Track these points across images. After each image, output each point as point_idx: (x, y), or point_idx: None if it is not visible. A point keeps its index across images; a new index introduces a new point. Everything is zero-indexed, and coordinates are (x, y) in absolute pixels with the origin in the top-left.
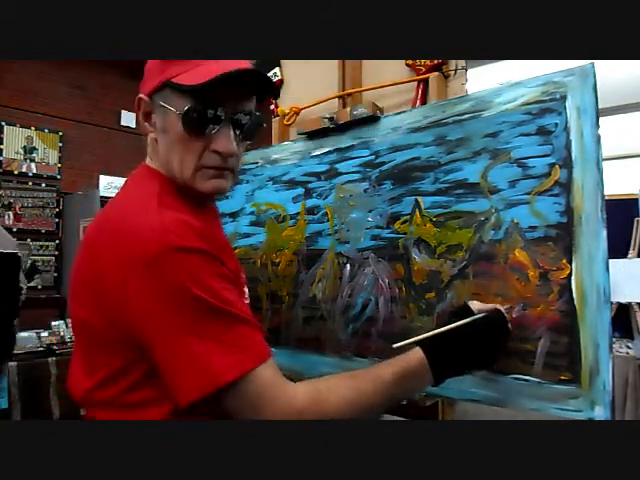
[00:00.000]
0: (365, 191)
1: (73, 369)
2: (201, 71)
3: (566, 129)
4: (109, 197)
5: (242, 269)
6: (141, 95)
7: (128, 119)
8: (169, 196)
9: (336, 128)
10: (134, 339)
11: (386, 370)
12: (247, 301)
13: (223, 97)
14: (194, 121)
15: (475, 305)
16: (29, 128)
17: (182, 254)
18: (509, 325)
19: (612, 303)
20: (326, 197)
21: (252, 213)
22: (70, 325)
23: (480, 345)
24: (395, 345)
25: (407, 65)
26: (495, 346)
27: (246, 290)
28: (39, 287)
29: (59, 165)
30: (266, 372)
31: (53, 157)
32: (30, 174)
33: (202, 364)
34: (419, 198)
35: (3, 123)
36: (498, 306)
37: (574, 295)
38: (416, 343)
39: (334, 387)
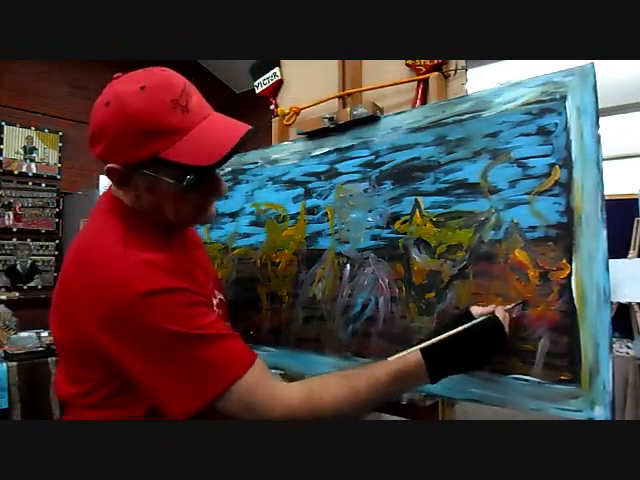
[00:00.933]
0: (365, 191)
1: (58, 376)
2: (192, 145)
3: (566, 129)
4: None
5: (213, 270)
6: (112, 165)
7: None
8: (135, 233)
9: (336, 128)
10: (108, 363)
11: (382, 370)
12: (217, 306)
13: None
14: (193, 184)
15: (476, 310)
16: (29, 128)
17: (149, 298)
18: (506, 328)
19: (612, 303)
20: (326, 197)
21: (252, 213)
22: None
23: (477, 348)
24: (390, 358)
25: (407, 65)
26: (491, 349)
27: (217, 297)
28: (39, 287)
29: (59, 165)
30: (255, 375)
31: (53, 157)
32: (30, 174)
33: (193, 386)
34: (419, 198)
35: (3, 123)
36: (496, 310)
37: (574, 295)
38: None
39: (328, 386)
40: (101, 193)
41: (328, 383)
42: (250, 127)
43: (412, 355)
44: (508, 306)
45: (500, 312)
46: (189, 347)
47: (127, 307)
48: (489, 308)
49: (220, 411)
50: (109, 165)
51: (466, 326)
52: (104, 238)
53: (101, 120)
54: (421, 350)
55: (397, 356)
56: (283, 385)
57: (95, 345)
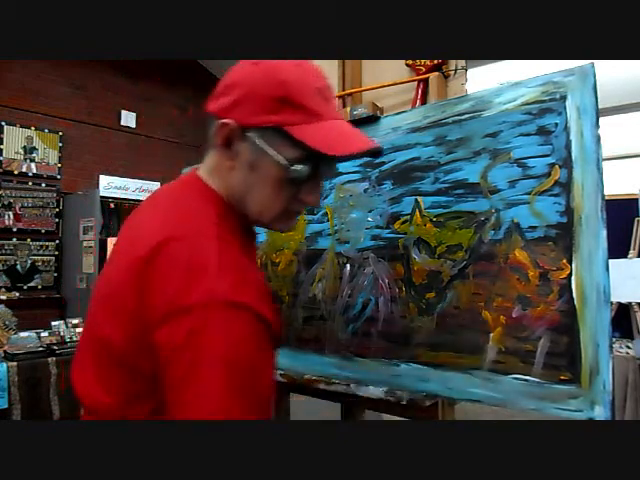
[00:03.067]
0: (365, 191)
1: (85, 378)
2: (325, 130)
3: (566, 129)
4: (109, 197)
5: (270, 297)
6: (228, 121)
7: (128, 119)
8: (227, 226)
9: None
10: (157, 372)
11: None
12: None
13: (333, 158)
14: (299, 174)
15: None
16: (29, 128)
17: (233, 311)
18: None
19: (612, 303)
20: (326, 197)
21: None
22: (69, 326)
23: None
24: None
25: (407, 65)
26: None
27: None
28: (39, 287)
29: (59, 165)
30: None
31: (53, 157)
32: (30, 174)
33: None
34: (419, 198)
35: (3, 123)
36: None
37: (574, 295)
38: None
39: None
40: (101, 193)
41: None
42: (377, 146)
43: None
44: None
45: None
46: (232, 393)
47: (205, 308)
48: None
49: None
50: (225, 120)
51: None
52: (198, 229)
53: (243, 74)
54: None
55: None
56: None
57: (150, 342)
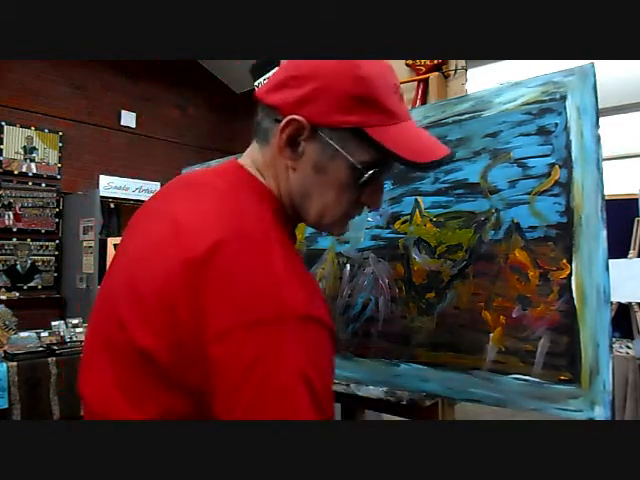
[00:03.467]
0: None
1: (103, 386)
2: (404, 133)
3: (566, 129)
4: (109, 197)
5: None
6: (299, 118)
7: (128, 119)
8: (283, 229)
9: None
10: (200, 387)
11: None
12: None
13: (412, 164)
14: (368, 178)
15: None
16: (29, 128)
17: (307, 325)
18: None
19: (612, 303)
20: None
21: None
22: (69, 326)
23: None
24: None
25: (407, 65)
26: None
27: None
28: (39, 287)
29: (59, 165)
30: None
31: (53, 157)
32: (30, 174)
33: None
34: (419, 198)
35: (3, 123)
36: None
37: (574, 295)
38: None
39: None
40: (101, 193)
41: None
42: (452, 152)
43: None
44: None
45: None
46: (307, 409)
47: (280, 322)
48: None
49: None
50: (295, 116)
51: None
52: (259, 232)
53: (318, 66)
54: None
55: None
56: None
57: (201, 358)
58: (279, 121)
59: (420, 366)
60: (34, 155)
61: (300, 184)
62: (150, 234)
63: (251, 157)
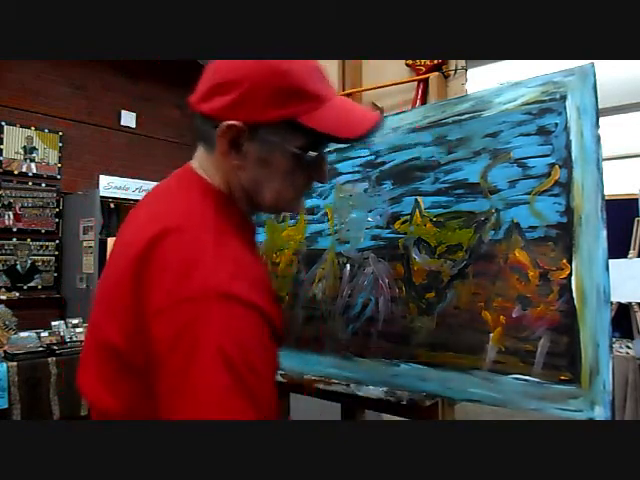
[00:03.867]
0: (365, 191)
1: (91, 381)
2: (332, 112)
3: (566, 129)
4: (109, 197)
5: (273, 293)
6: (235, 122)
7: (128, 119)
8: (225, 220)
9: None
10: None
11: None
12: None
13: (344, 139)
14: (312, 159)
15: None
16: (29, 128)
17: (230, 303)
18: None
19: (612, 303)
20: (326, 197)
21: None
22: (69, 326)
23: None
24: None
25: (407, 65)
26: None
27: None
28: (39, 287)
29: (59, 165)
30: None
31: (53, 157)
32: (30, 174)
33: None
34: (419, 198)
35: (3, 123)
36: None
37: (574, 295)
38: None
39: None
40: (101, 193)
41: None
42: (381, 114)
43: None
44: None
45: None
46: (227, 391)
47: (200, 300)
48: None
49: None
50: (231, 122)
51: None
52: (194, 224)
53: (237, 70)
54: None
55: None
56: None
57: (145, 340)
58: (217, 127)
59: (420, 366)
60: (34, 155)
61: (250, 179)
62: (116, 244)
63: (198, 160)
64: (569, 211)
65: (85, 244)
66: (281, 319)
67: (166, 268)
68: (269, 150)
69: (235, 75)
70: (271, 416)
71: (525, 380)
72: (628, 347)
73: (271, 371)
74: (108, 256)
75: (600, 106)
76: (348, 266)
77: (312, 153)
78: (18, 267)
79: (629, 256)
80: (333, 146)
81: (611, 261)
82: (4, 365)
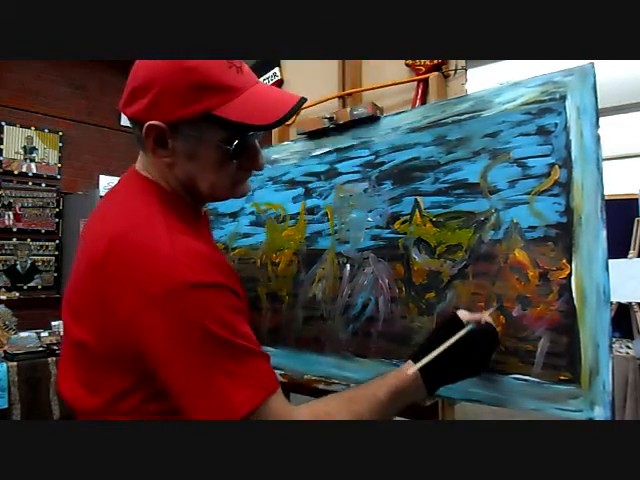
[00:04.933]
0: (365, 191)
1: (69, 383)
2: (247, 102)
3: (566, 129)
4: None
5: (238, 277)
6: (154, 122)
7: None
8: (175, 217)
9: (336, 128)
10: (141, 365)
11: (382, 390)
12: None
13: (264, 127)
14: (238, 150)
15: (463, 315)
16: (29, 128)
17: (197, 290)
18: (498, 335)
19: (612, 303)
20: (326, 197)
21: (252, 213)
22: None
23: (472, 357)
24: (389, 376)
25: (407, 65)
26: (485, 356)
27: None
28: (39, 287)
29: (59, 165)
30: (276, 402)
31: (53, 157)
32: (30, 174)
33: (218, 399)
34: (419, 198)
35: (3, 123)
36: (486, 316)
37: (574, 295)
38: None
39: (333, 412)
40: (101, 193)
41: (332, 410)
42: (301, 97)
43: (409, 373)
44: (492, 309)
45: (488, 317)
46: (224, 355)
47: (173, 295)
48: (476, 316)
49: None
50: (151, 122)
51: (461, 335)
52: (144, 221)
53: (149, 73)
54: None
55: (394, 374)
56: (297, 412)
57: (127, 340)
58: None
59: None
60: (34, 155)
61: (183, 174)
62: (81, 245)
63: (140, 161)
64: (569, 211)
65: None
66: (246, 300)
67: (128, 270)
68: (194, 145)
69: (148, 78)
70: (261, 351)
71: (525, 380)
72: (628, 347)
73: (246, 326)
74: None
75: (600, 106)
76: (348, 266)
77: (234, 144)
78: (18, 267)
79: (629, 256)
80: (333, 146)
81: (611, 261)
82: (4, 365)
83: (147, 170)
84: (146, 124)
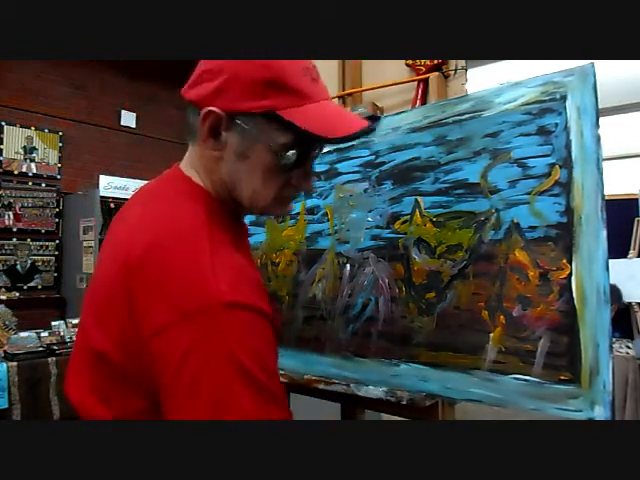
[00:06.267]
0: (365, 191)
1: (80, 389)
2: (316, 112)
3: (566, 129)
4: (109, 197)
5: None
6: (214, 109)
7: (128, 119)
8: (218, 224)
9: None
10: (152, 383)
11: None
12: None
13: (326, 140)
14: (290, 160)
15: None
16: (29, 128)
17: (233, 311)
18: None
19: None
20: (326, 197)
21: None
22: (69, 326)
23: None
24: None
25: (407, 65)
26: None
27: None
28: (39, 287)
29: (59, 165)
30: None
31: (53, 157)
32: (30, 174)
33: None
34: (419, 198)
35: (3, 123)
36: None
37: (574, 295)
38: None
39: None
40: (101, 193)
41: None
42: (369, 123)
43: None
44: None
45: None
46: (245, 392)
47: (205, 313)
48: None
49: None
50: (210, 108)
51: None
52: (188, 232)
53: (224, 60)
54: None
55: None
56: None
57: (143, 355)
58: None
59: (420, 366)
60: (34, 155)
61: (228, 172)
62: (107, 245)
63: (188, 158)
64: (569, 211)
65: (85, 244)
66: (277, 318)
67: (164, 281)
68: (247, 142)
69: (221, 64)
70: (286, 406)
71: (525, 380)
72: (628, 347)
73: (276, 365)
74: (98, 257)
75: (600, 106)
76: (348, 266)
77: (290, 152)
78: (18, 267)
79: (629, 256)
80: (333, 146)
81: (611, 261)
82: (4, 365)
83: (193, 166)
84: (205, 109)
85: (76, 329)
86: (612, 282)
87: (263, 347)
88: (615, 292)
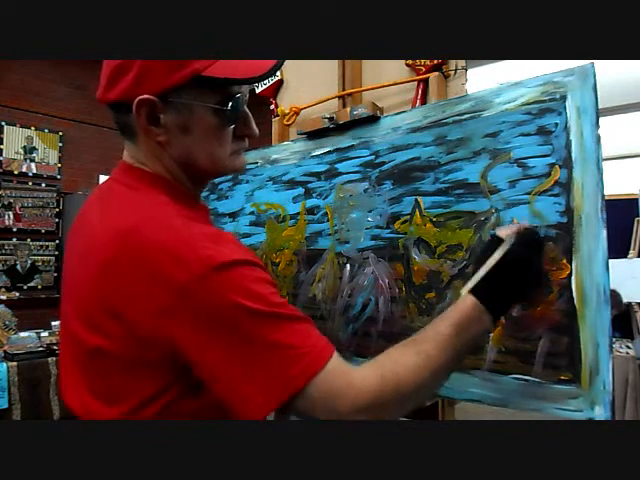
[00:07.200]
0: (365, 191)
1: (80, 397)
2: (231, 63)
3: (566, 129)
4: None
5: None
6: (145, 96)
7: None
8: (184, 206)
9: (336, 128)
10: (176, 362)
11: (443, 324)
12: None
13: (250, 82)
14: (233, 112)
15: (501, 232)
16: (29, 128)
17: (224, 271)
18: (542, 238)
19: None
20: (326, 197)
21: (252, 213)
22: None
23: (524, 270)
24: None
25: (407, 65)
26: (536, 264)
27: None
28: (39, 287)
29: (59, 165)
30: (333, 367)
31: (53, 157)
32: (30, 174)
33: (273, 374)
34: (419, 198)
35: (3, 123)
36: (524, 225)
37: (574, 295)
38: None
39: (399, 358)
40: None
41: (396, 356)
42: (277, 61)
43: (465, 300)
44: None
45: (526, 224)
46: (267, 327)
47: (200, 280)
48: (513, 227)
49: (291, 411)
50: (142, 96)
51: (506, 249)
52: (155, 212)
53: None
54: (471, 292)
55: (452, 307)
56: (359, 371)
57: (159, 338)
58: (131, 110)
59: None
60: (34, 155)
61: (178, 151)
62: (79, 244)
63: (129, 154)
64: (569, 211)
65: None
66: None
67: (149, 263)
68: (187, 115)
69: (120, 65)
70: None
71: (525, 380)
72: (628, 347)
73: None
74: (65, 261)
75: (600, 106)
76: (348, 266)
77: (229, 104)
78: (18, 267)
79: (629, 256)
80: (333, 146)
81: (611, 261)
82: (4, 365)
83: (139, 160)
84: (136, 100)
85: None
86: (613, 287)
87: (262, 288)
88: (615, 297)
